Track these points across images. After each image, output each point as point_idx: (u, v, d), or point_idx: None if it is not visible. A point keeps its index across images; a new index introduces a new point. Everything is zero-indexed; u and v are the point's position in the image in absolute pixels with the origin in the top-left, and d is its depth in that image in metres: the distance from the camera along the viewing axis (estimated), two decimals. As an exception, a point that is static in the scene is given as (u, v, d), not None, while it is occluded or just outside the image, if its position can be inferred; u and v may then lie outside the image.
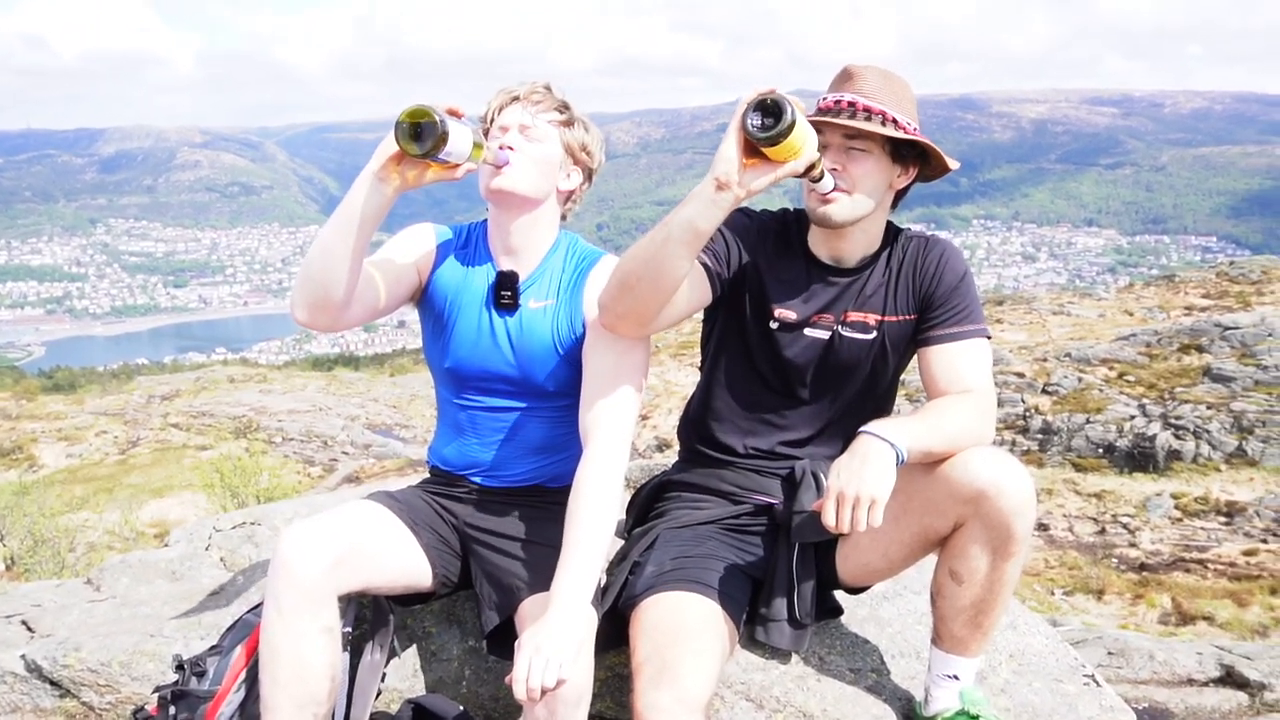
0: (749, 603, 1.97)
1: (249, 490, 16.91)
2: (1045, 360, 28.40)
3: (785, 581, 1.96)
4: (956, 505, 1.74)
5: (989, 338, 1.95)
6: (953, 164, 1.94)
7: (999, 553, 1.75)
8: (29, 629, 2.65)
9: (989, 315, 19.37)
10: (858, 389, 2.04)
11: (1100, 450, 23.68)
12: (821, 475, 1.98)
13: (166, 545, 4.17)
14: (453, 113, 1.70)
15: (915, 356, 2.02)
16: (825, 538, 1.91)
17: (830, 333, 2.00)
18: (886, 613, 2.29)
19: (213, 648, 2.07)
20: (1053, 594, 13.63)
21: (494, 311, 2.01)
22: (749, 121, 1.54)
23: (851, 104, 1.86)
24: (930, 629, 1.95)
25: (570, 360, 1.99)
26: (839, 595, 2.16)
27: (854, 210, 1.88)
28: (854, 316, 1.99)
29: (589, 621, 1.74)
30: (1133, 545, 17.85)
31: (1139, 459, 22.89)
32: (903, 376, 2.12)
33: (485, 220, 2.09)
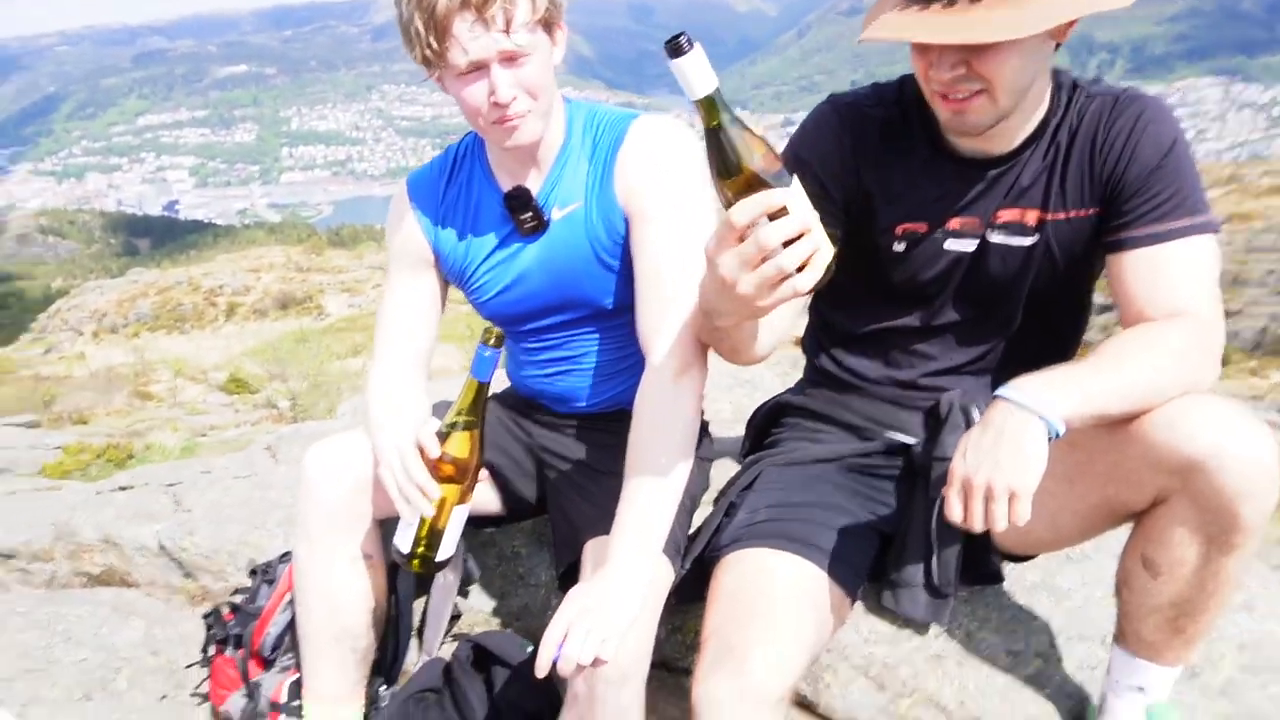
0: (874, 561, 1.55)
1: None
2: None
3: (921, 543, 1.51)
4: (1157, 476, 1.23)
5: (1216, 231, 1.34)
6: None
7: (1216, 544, 1.23)
8: (176, 502, 2.68)
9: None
10: (1022, 307, 1.54)
11: None
12: (976, 412, 1.50)
13: (335, 417, 4.24)
14: None
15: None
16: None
17: (976, 240, 1.48)
18: (1066, 580, 1.77)
19: (284, 554, 1.95)
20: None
21: (519, 242, 1.60)
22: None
23: None
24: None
25: (620, 267, 1.58)
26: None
27: (1003, 107, 1.32)
28: (1007, 215, 1.46)
29: (655, 583, 1.42)
30: None
31: None
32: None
33: (473, 134, 1.63)
